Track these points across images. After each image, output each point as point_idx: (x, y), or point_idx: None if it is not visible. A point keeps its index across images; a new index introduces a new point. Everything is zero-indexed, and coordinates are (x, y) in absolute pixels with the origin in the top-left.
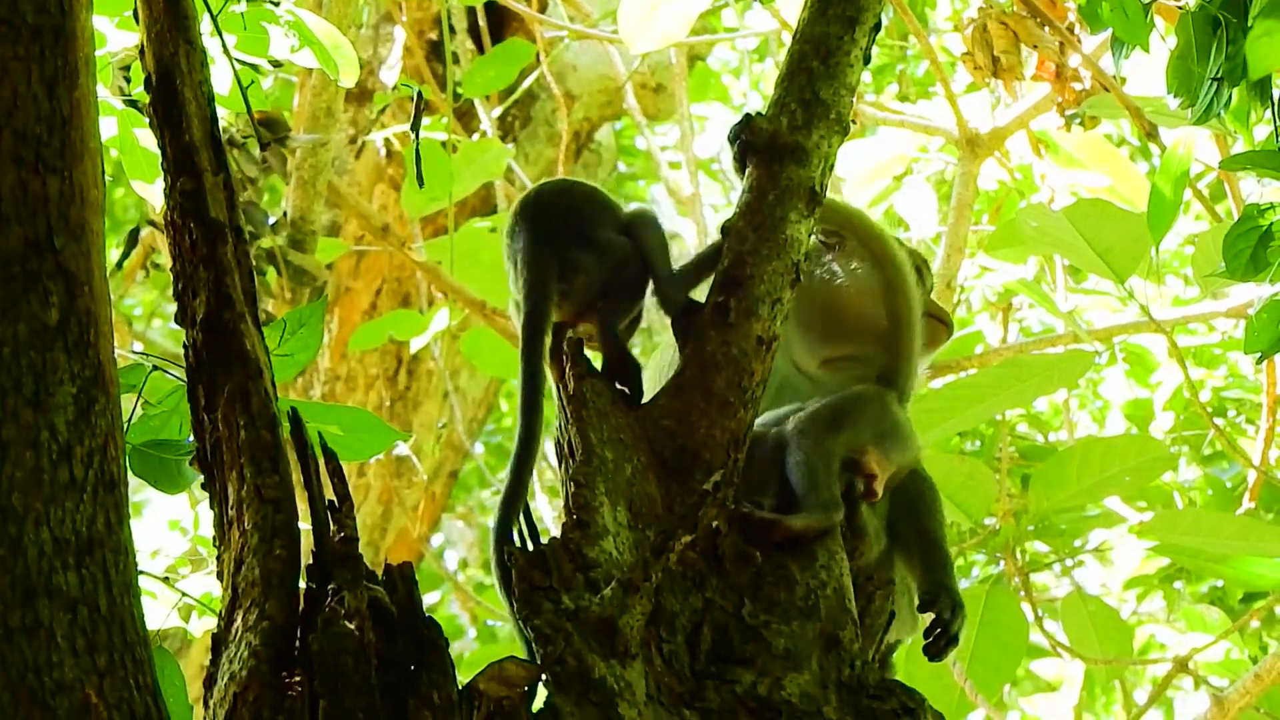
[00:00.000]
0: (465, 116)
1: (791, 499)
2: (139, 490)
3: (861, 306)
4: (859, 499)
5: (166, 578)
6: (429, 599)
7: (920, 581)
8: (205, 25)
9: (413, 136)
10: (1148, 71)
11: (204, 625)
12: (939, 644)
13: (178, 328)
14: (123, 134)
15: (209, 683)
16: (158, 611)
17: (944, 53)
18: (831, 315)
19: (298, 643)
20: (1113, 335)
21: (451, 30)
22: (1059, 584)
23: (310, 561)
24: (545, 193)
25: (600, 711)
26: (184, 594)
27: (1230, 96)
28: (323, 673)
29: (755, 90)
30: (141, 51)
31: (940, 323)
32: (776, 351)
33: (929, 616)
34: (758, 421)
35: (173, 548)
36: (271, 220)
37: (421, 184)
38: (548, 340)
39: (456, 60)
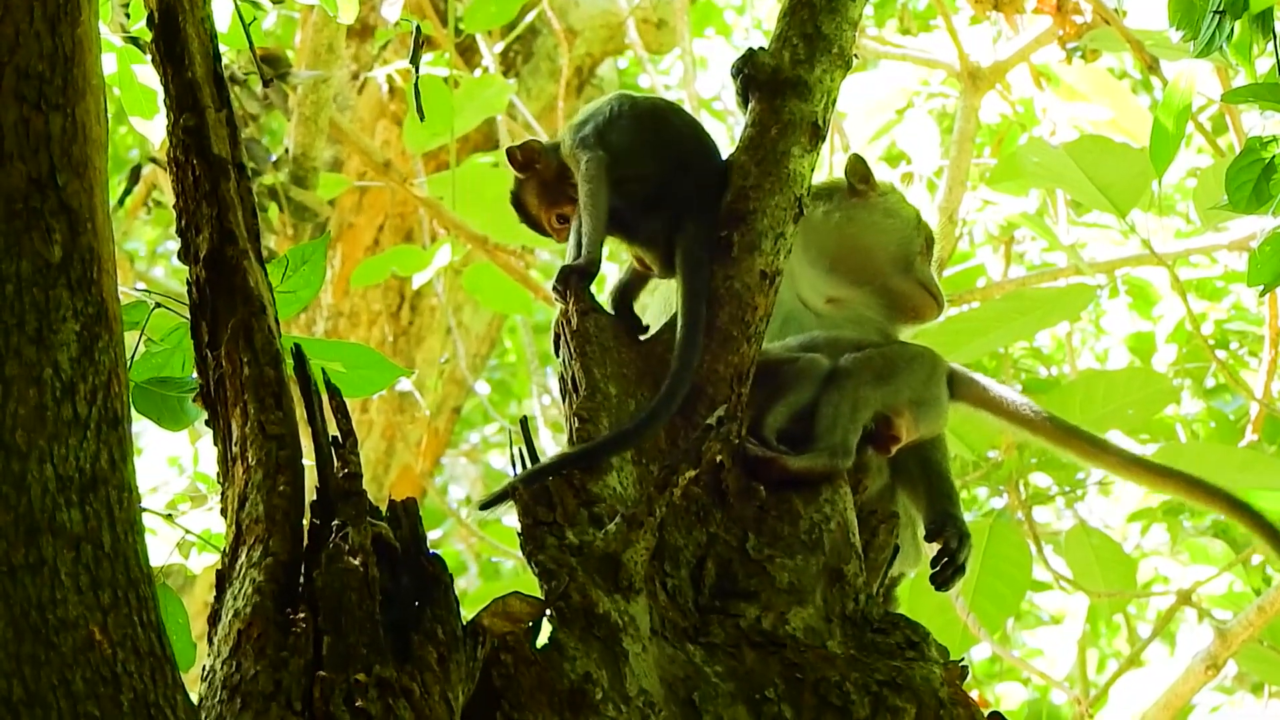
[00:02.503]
0: (467, 52)
1: (811, 431)
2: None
3: (871, 253)
4: (871, 448)
5: (169, 514)
6: (432, 535)
7: (926, 512)
8: None
9: (413, 72)
10: (1149, 4)
11: (204, 562)
12: (946, 573)
13: (180, 265)
14: (122, 71)
15: (213, 619)
16: (159, 549)
17: None
18: (842, 258)
19: (302, 579)
20: (1115, 268)
21: None
22: (1062, 517)
23: (314, 498)
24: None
25: (604, 646)
26: (187, 530)
27: (1232, 29)
28: (327, 609)
29: (757, 29)
30: None
31: (931, 298)
32: (780, 286)
33: (933, 550)
34: (792, 340)
35: (172, 485)
36: (273, 157)
37: (422, 118)
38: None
39: None
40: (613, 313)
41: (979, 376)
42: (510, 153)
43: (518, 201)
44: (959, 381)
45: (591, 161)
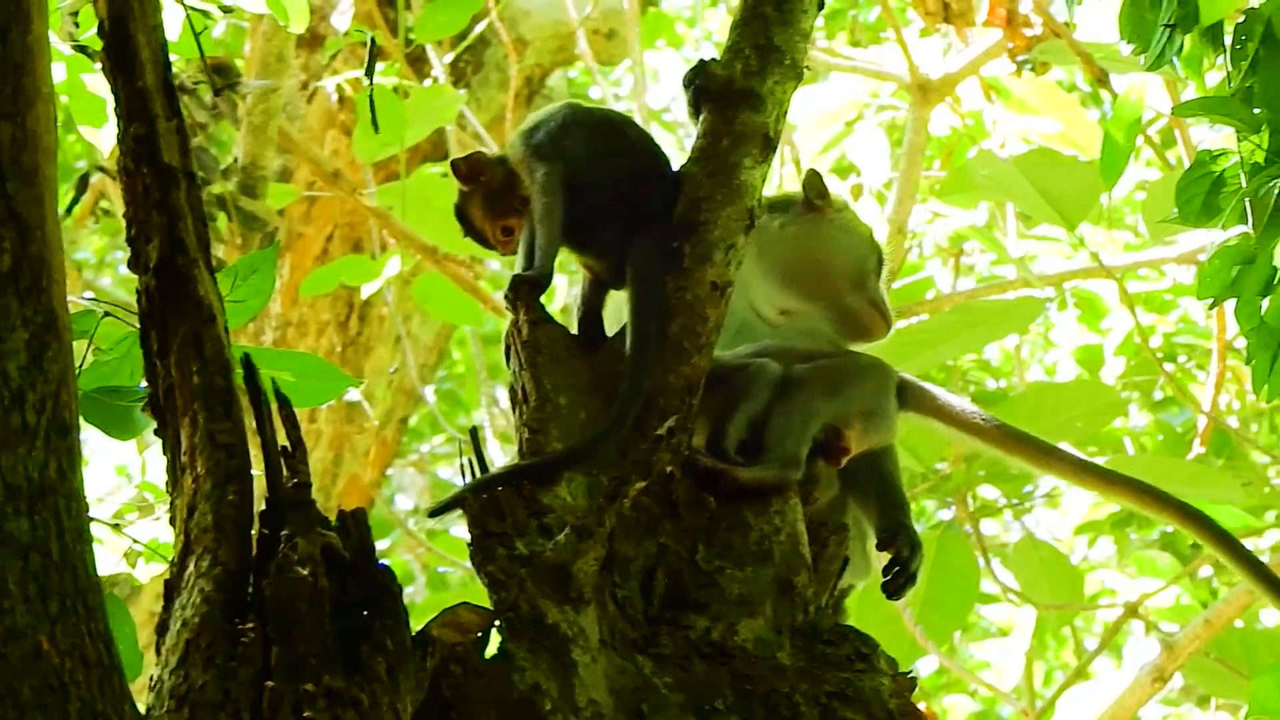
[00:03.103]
0: (417, 62)
1: (761, 443)
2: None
3: (826, 269)
4: (821, 459)
5: (116, 524)
6: (380, 545)
7: (878, 523)
8: None
9: (366, 82)
10: (1099, 18)
11: (152, 571)
12: (898, 582)
13: (129, 274)
14: (71, 79)
15: (161, 629)
16: (106, 558)
17: None
18: (796, 272)
19: (251, 588)
20: (1064, 281)
21: None
22: (1010, 530)
23: (263, 507)
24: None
25: (554, 657)
26: (134, 540)
27: (1182, 43)
28: (276, 618)
29: (708, 40)
30: None
31: (881, 318)
32: (733, 296)
33: (883, 561)
34: (744, 349)
35: (120, 494)
36: (223, 166)
37: (376, 130)
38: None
39: (408, 5)
40: (580, 319)
41: (929, 386)
42: (455, 165)
43: (462, 214)
44: (909, 391)
45: (549, 173)
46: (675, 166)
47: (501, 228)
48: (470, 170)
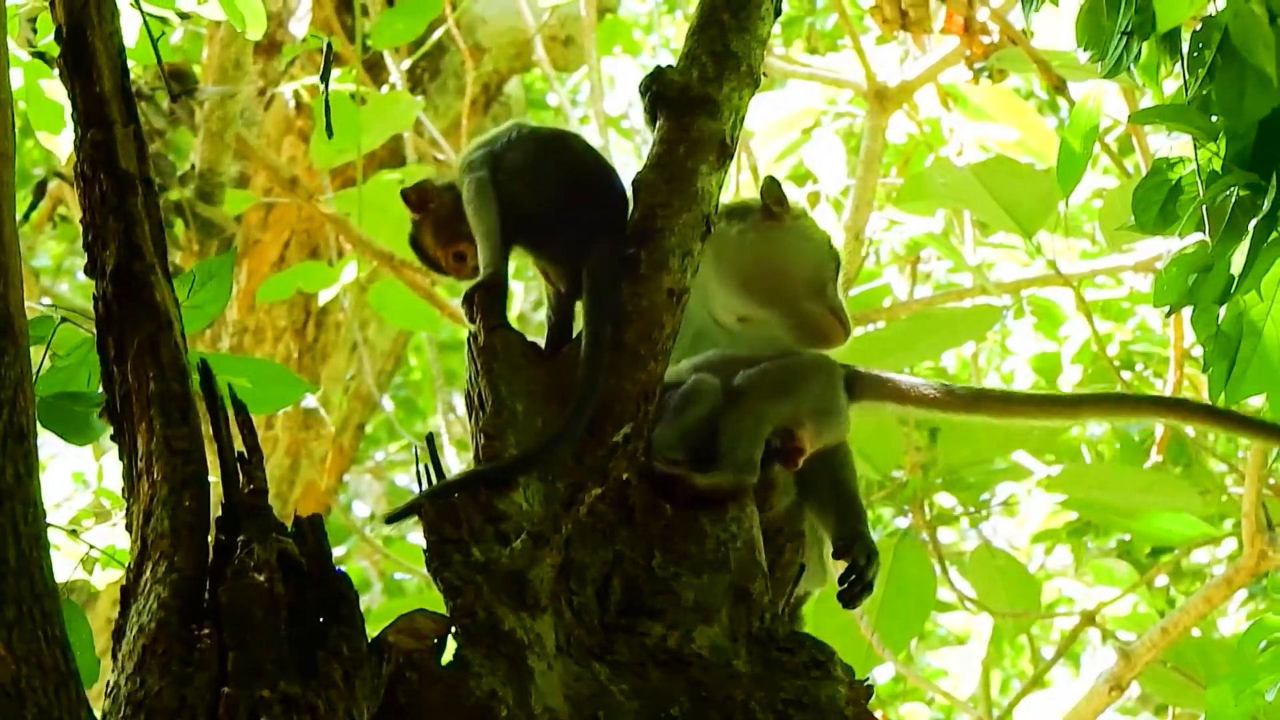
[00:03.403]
0: (374, 69)
1: (715, 450)
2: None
3: (784, 276)
4: (777, 464)
5: (73, 530)
6: (337, 552)
7: (834, 530)
8: None
9: (322, 88)
10: (1056, 25)
11: (108, 578)
12: (854, 590)
13: (86, 280)
14: (29, 85)
15: (118, 635)
16: (63, 564)
17: (852, 6)
18: (754, 278)
19: (207, 595)
20: (1021, 289)
21: None
22: (966, 538)
23: (220, 513)
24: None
25: (510, 663)
26: (91, 545)
27: (1140, 50)
28: (232, 624)
29: (665, 48)
30: (52, 3)
31: (840, 325)
32: (691, 303)
33: (839, 569)
34: (685, 364)
35: (76, 500)
36: (180, 173)
37: (331, 136)
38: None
39: (365, 12)
40: (550, 331)
41: (878, 371)
42: (404, 194)
43: (415, 242)
44: (860, 380)
45: (472, 181)
46: (630, 175)
47: (453, 254)
48: (419, 198)
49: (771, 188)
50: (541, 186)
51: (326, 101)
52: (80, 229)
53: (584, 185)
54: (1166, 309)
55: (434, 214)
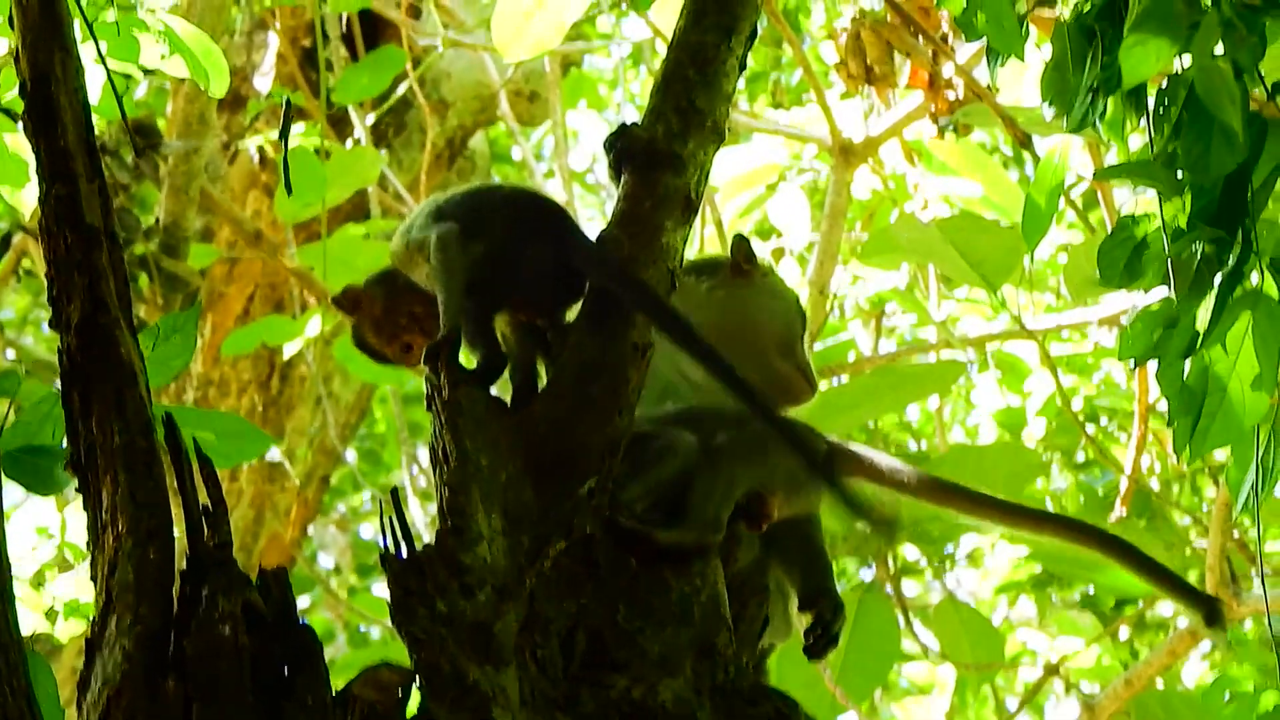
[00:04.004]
0: (340, 124)
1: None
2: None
3: (754, 333)
4: (743, 523)
5: (38, 582)
6: (301, 603)
7: (800, 584)
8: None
9: (282, 145)
10: (1021, 81)
11: (71, 630)
12: (820, 644)
13: (51, 334)
14: None
15: (82, 686)
16: (27, 616)
17: (817, 61)
18: (724, 335)
19: (172, 647)
20: (985, 343)
21: (325, 37)
22: (931, 590)
23: (184, 566)
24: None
25: (474, 716)
26: (55, 598)
27: (1105, 106)
28: (197, 676)
29: (630, 103)
30: (16, 57)
31: (807, 384)
32: (658, 358)
33: (804, 623)
34: (661, 413)
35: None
36: (145, 227)
37: (290, 192)
38: None
39: (330, 68)
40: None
41: (858, 447)
42: (335, 301)
43: (361, 343)
44: (839, 455)
45: (441, 232)
46: (595, 230)
47: (400, 346)
48: (351, 302)
49: (741, 245)
50: (503, 243)
51: (285, 158)
52: (45, 283)
53: (543, 229)
54: (1131, 363)
55: (368, 314)
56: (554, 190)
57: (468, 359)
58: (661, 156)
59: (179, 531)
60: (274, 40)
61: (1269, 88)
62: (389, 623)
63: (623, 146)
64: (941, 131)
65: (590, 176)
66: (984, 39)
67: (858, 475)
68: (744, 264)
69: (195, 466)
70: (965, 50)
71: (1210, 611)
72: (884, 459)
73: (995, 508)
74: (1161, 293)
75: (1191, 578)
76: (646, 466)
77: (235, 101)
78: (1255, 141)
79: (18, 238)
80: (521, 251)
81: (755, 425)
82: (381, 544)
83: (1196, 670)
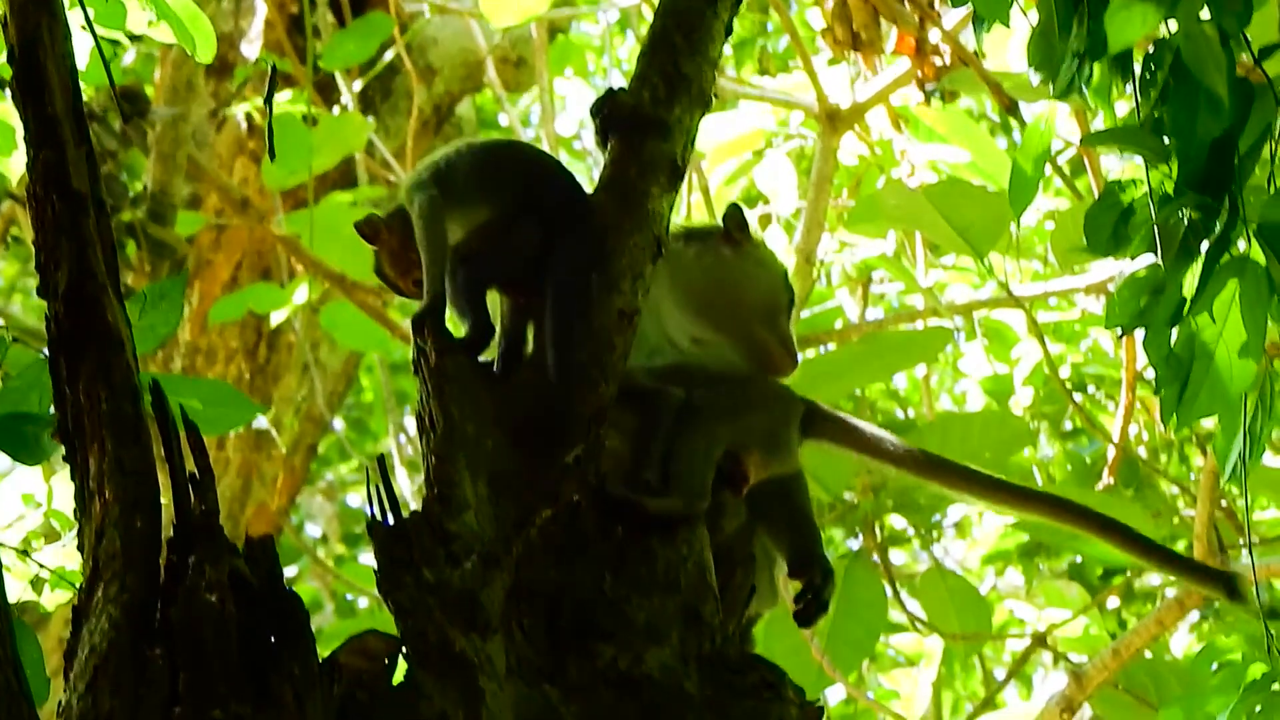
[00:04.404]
0: (326, 90)
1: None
2: None
3: (739, 301)
4: (727, 490)
5: (24, 551)
6: (288, 572)
7: (789, 551)
8: None
9: (268, 111)
10: (1007, 46)
11: (58, 599)
12: (810, 610)
13: (38, 301)
14: None
15: (69, 655)
16: (14, 585)
17: (804, 27)
18: (710, 302)
19: (159, 615)
20: (972, 310)
21: (312, 3)
22: (918, 560)
23: (171, 534)
24: None
25: (461, 685)
26: (42, 566)
27: (1091, 71)
28: (184, 645)
29: (617, 69)
30: (4, 24)
31: (789, 356)
32: (647, 321)
33: (791, 591)
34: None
35: (27, 521)
36: (132, 194)
37: (274, 158)
38: None
39: (317, 34)
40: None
41: (841, 414)
42: (357, 227)
43: (380, 272)
44: (820, 419)
45: (422, 200)
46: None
47: (413, 281)
48: (370, 231)
49: (735, 214)
50: (491, 207)
51: (270, 124)
52: (32, 250)
53: (538, 187)
54: (1119, 331)
55: (387, 245)
56: None
57: (456, 328)
58: (648, 122)
59: (166, 500)
60: (261, 6)
61: (1255, 53)
62: (376, 592)
63: (609, 112)
64: (928, 98)
65: (577, 143)
66: (970, 4)
67: (840, 442)
68: (736, 233)
69: (182, 434)
70: (952, 16)
71: (1230, 587)
72: (869, 429)
73: (980, 484)
74: (1148, 259)
75: (1179, 546)
76: (654, 428)
77: (222, 68)
78: (1241, 107)
79: (5, 205)
80: (509, 229)
81: (731, 384)
82: (368, 512)
83: (1184, 640)
